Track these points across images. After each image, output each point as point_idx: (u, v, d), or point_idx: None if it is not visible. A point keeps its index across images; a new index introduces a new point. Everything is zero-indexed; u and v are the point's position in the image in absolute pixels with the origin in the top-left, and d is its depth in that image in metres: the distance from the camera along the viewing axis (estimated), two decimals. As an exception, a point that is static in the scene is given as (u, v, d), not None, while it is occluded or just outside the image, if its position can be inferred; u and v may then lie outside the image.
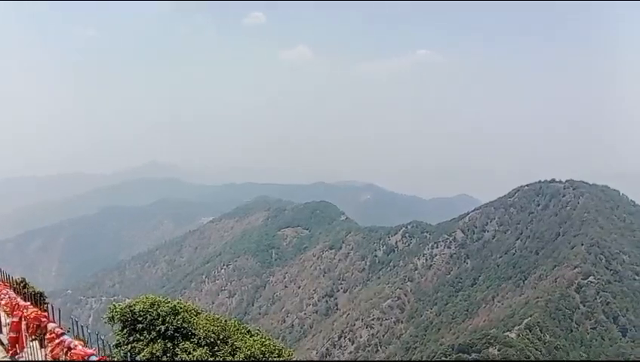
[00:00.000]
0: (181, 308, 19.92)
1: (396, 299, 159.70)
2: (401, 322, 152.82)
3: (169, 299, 20.45)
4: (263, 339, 20.98)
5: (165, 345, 18.75)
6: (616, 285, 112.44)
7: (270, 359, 19.99)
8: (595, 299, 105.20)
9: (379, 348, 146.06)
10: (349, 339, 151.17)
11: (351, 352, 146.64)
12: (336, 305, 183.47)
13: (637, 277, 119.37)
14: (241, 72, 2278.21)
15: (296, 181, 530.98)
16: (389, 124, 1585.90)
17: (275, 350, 20.70)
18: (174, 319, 19.30)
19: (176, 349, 18.77)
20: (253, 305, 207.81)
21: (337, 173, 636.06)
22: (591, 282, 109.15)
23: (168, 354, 18.61)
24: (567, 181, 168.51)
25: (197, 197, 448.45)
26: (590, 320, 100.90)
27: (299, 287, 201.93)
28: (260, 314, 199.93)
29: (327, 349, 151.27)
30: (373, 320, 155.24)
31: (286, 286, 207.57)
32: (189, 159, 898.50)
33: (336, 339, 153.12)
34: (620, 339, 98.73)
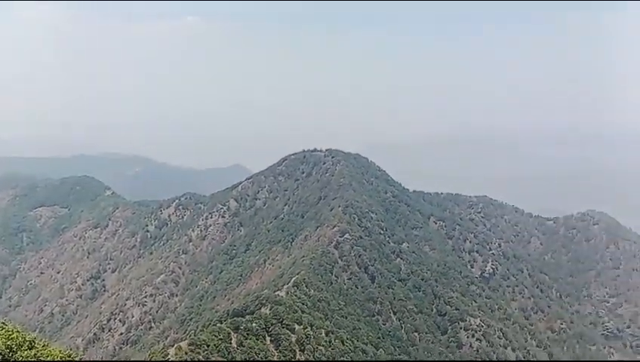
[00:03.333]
0: None
1: (170, 273, 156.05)
2: (176, 296, 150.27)
3: None
4: (9, 333, 18.13)
5: None
6: (366, 240, 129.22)
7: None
8: (350, 253, 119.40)
9: (152, 324, 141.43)
10: (120, 320, 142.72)
11: (122, 333, 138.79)
12: (104, 286, 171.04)
13: (382, 232, 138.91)
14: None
15: (51, 154, 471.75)
16: (158, 90, 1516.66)
17: (24, 342, 18.08)
18: None
19: None
20: (1, 298, 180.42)
21: (99, 144, 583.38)
22: (347, 238, 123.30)
23: None
24: (327, 150, 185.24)
25: None
26: (347, 272, 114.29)
27: (58, 272, 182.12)
28: (10, 306, 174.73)
29: (94, 334, 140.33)
30: (145, 297, 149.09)
31: (42, 273, 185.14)
32: None
33: (105, 322, 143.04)
34: (370, 285, 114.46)
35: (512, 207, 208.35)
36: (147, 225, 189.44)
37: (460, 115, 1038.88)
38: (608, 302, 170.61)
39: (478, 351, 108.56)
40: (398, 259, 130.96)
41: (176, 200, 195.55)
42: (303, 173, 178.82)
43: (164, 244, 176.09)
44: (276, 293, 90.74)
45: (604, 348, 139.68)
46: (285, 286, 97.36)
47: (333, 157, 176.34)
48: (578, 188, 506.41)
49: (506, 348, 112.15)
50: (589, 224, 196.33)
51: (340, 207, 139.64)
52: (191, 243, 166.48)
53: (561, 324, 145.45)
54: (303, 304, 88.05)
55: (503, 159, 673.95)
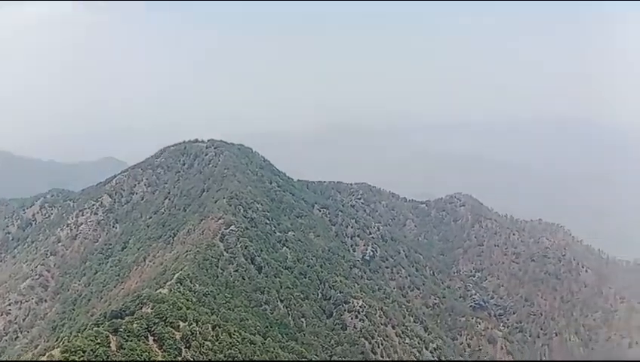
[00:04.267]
0: None
1: (37, 276, 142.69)
2: (45, 301, 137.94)
3: None
4: None
5: None
6: (253, 230, 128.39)
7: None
8: (236, 244, 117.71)
9: (19, 334, 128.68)
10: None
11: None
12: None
13: (268, 222, 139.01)
14: None
15: None
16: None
17: None
18: None
19: None
20: None
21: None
22: (232, 230, 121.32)
23: None
24: (208, 140, 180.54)
25: None
26: (232, 264, 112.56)
27: None
28: None
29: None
30: (9, 305, 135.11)
31: None
32: None
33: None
34: (257, 276, 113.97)
35: (389, 192, 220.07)
36: (8, 226, 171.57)
37: (340, 106, 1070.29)
38: (474, 276, 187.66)
39: (361, 330, 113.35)
40: (285, 247, 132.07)
41: (42, 198, 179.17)
42: (184, 164, 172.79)
43: (28, 246, 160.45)
44: (158, 291, 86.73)
45: (472, 318, 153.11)
46: (168, 283, 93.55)
47: (215, 148, 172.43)
48: (448, 173, 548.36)
49: (386, 326, 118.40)
50: (456, 206, 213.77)
51: (224, 198, 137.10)
52: (60, 244, 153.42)
53: (435, 299, 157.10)
54: (188, 300, 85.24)
55: (381, 147, 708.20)
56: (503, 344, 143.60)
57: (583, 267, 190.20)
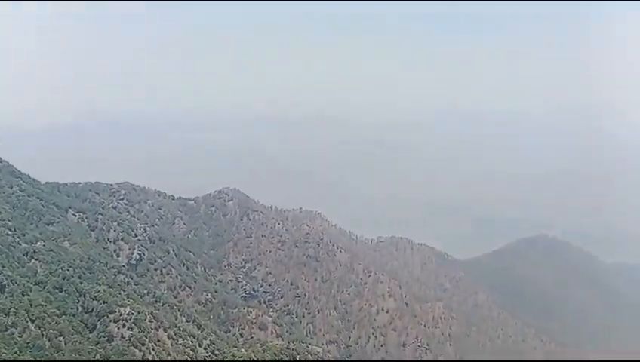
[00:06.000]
0: None
1: None
2: None
3: None
4: None
5: None
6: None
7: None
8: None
9: None
10: None
11: None
12: None
13: (10, 233, 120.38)
14: None
15: None
16: None
17: None
18: None
19: None
20: None
21: None
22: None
23: None
24: None
25: None
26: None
27: None
28: None
29: None
30: None
31: None
32: None
33: None
34: (0, 296, 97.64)
35: (155, 190, 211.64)
36: None
37: (85, 102, 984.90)
38: (244, 268, 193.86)
39: (130, 339, 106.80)
40: (33, 260, 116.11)
41: None
42: None
43: None
44: None
45: (244, 308, 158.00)
46: None
47: None
48: (215, 168, 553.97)
49: (157, 330, 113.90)
50: (224, 201, 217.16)
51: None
52: None
53: (207, 295, 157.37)
54: None
55: (144, 144, 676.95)
56: (273, 328, 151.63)
57: (337, 248, 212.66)
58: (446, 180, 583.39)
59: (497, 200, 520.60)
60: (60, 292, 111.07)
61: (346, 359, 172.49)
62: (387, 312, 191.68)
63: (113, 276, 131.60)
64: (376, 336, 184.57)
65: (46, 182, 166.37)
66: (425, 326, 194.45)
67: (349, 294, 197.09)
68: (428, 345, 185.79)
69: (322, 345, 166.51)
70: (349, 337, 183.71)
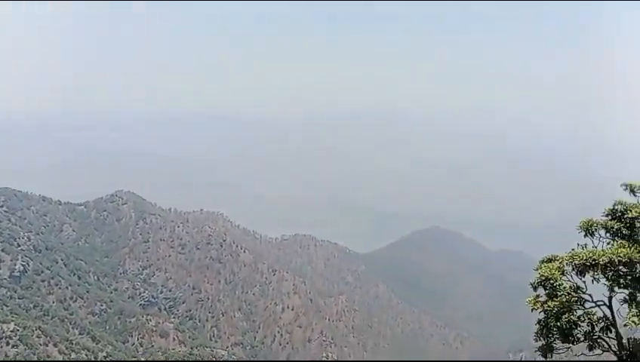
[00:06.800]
0: None
1: None
2: None
3: None
4: None
5: None
6: None
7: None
8: None
9: None
10: None
11: None
12: None
13: None
14: None
15: None
16: None
17: None
18: None
19: None
20: None
21: None
22: None
23: None
24: None
25: None
26: None
27: None
28: None
29: None
30: None
31: None
32: None
33: None
34: None
35: (39, 196, 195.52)
36: None
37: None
38: (142, 274, 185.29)
39: (15, 357, 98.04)
40: None
41: None
42: None
43: None
44: None
45: (143, 316, 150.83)
46: None
47: None
48: (104, 171, 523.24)
49: (47, 346, 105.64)
50: (118, 204, 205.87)
51: None
52: None
53: (102, 305, 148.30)
54: None
55: (24, 148, 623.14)
56: (175, 335, 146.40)
57: (241, 248, 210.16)
58: (350, 178, 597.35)
59: (397, 195, 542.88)
60: None
61: (251, 359, 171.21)
62: (292, 309, 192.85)
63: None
64: (282, 334, 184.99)
65: None
66: (329, 320, 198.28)
67: (253, 294, 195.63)
68: (332, 338, 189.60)
69: (227, 347, 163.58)
70: (255, 337, 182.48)
